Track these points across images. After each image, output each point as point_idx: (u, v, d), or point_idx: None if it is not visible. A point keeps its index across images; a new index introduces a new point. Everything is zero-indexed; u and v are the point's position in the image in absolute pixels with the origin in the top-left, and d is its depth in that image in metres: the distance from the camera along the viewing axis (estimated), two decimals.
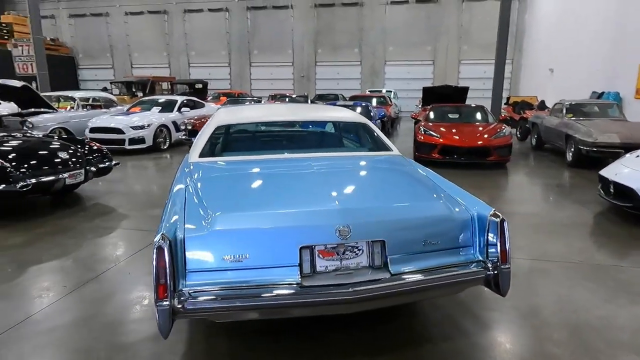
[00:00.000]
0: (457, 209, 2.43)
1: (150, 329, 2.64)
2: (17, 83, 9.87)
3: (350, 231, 2.18)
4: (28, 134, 6.00)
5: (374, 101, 14.99)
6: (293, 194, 2.48)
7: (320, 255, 2.20)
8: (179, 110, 10.98)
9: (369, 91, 19.54)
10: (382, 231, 2.24)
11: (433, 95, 12.25)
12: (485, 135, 7.99)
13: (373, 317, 2.79)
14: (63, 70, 25.67)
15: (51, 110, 10.65)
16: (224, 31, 24.47)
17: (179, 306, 1.94)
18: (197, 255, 2.08)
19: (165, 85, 22.41)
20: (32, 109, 10.49)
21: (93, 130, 9.77)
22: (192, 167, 2.99)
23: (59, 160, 5.20)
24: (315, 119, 3.73)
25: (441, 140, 7.99)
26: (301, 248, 2.14)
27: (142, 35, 25.60)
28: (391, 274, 2.21)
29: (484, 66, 21.51)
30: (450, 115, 9.38)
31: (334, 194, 2.43)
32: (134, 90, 18.56)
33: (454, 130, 8.27)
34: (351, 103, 10.43)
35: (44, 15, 26.57)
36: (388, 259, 2.24)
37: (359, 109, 9.78)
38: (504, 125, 8.58)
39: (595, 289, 3.22)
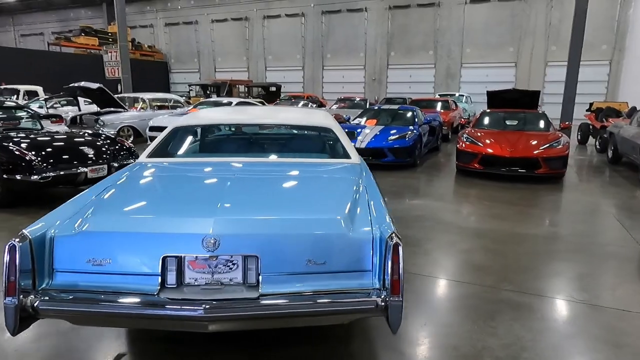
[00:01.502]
0: (355, 228, 2.12)
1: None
2: (94, 85, 11.04)
3: (219, 243, 2.02)
4: (58, 130, 6.64)
5: (439, 105, 14.21)
6: (188, 200, 2.37)
7: (191, 267, 2.07)
8: None
9: (439, 95, 18.59)
10: (256, 246, 2.05)
11: (499, 100, 11.19)
12: (535, 145, 7.10)
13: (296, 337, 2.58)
14: (157, 74, 28.31)
15: (122, 110, 11.78)
16: (299, 35, 25.04)
17: (31, 305, 1.95)
18: (64, 256, 2.07)
19: (242, 87, 23.61)
20: (110, 109, 11.71)
21: (152, 128, 10.54)
22: (131, 166, 3.03)
23: (84, 155, 5.67)
24: (278, 123, 3.59)
25: (483, 148, 7.28)
26: (166, 257, 2.03)
27: (225, 41, 27.23)
28: (260, 294, 2.00)
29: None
30: (503, 122, 8.52)
31: (228, 202, 2.28)
32: (208, 92, 19.80)
33: (499, 138, 7.48)
34: (396, 107, 9.96)
35: (144, 25, 29.59)
36: (260, 277, 2.04)
37: (409, 114, 9.30)
38: (562, 134, 7.55)
39: (573, 335, 2.64)
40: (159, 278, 2.02)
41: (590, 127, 11.95)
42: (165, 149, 3.28)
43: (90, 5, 31.33)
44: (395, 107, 10.04)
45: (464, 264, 3.78)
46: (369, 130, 8.47)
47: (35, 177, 5.01)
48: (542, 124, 8.21)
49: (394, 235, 2.05)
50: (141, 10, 29.44)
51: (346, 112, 12.99)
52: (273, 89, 22.49)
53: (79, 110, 12.97)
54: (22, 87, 16.16)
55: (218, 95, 19.56)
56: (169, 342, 2.54)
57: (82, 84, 11.26)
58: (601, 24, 19.21)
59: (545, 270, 3.65)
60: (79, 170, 5.42)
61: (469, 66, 21.65)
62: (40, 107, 14.33)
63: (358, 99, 17.90)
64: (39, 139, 5.80)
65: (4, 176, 5.09)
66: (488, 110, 9.07)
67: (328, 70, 24.91)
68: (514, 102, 10.64)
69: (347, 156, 3.26)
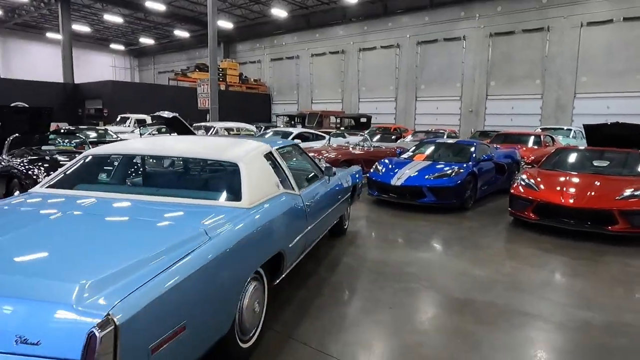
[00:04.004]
0: (91, 302, 1.56)
1: None
2: (169, 114, 11.94)
3: None
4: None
5: (531, 140, 12.32)
6: None
7: None
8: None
9: (540, 129, 16.29)
10: None
11: (600, 137, 9.21)
12: (612, 193, 5.48)
13: None
14: (261, 105, 30.26)
15: None
16: (393, 67, 24.57)
17: None
18: None
19: (333, 118, 23.81)
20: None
21: None
22: (16, 196, 2.88)
23: None
24: (186, 155, 3.15)
25: (538, 194, 5.87)
26: None
27: (322, 74, 28.01)
28: None
29: None
30: (581, 162, 6.86)
31: None
32: (293, 122, 20.32)
33: (564, 183, 5.98)
34: (452, 141, 8.75)
35: (253, 61, 32.09)
36: None
37: (466, 149, 8.11)
38: None
39: None
40: None
41: None
42: (67, 178, 3.07)
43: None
44: (452, 141, 8.88)
45: (408, 353, 2.83)
46: (413, 166, 7.54)
47: None
48: (636, 166, 6.40)
49: (109, 319, 1.45)
50: (252, 47, 32.03)
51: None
52: (363, 120, 22.22)
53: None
54: (133, 116, 18.46)
55: (303, 126, 19.93)
56: None
57: (165, 114, 12.27)
58: None
59: None
60: None
61: (585, 97, 18.73)
62: (141, 133, 16.27)
63: (444, 131, 16.62)
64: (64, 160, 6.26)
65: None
66: (564, 148, 7.45)
67: (421, 102, 23.84)
68: (622, 140, 8.59)
69: (237, 198, 2.69)
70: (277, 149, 3.52)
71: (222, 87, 27.89)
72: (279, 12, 25.28)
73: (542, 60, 19.57)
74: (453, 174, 7.09)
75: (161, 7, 24.96)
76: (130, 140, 3.53)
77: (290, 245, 3.03)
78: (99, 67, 36.80)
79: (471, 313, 3.40)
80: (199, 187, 2.95)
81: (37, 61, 32.77)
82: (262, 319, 2.80)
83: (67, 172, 3.08)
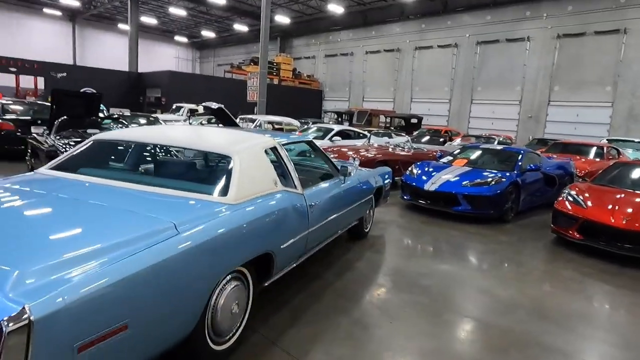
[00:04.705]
0: (26, 290, 1.49)
1: None
2: (214, 105, 12.18)
3: None
4: None
5: (592, 152, 11.29)
6: None
7: None
8: (330, 138, 11.18)
9: (607, 140, 14.93)
10: None
11: None
12: None
13: None
14: (312, 100, 30.32)
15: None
16: (449, 67, 23.61)
17: None
18: None
19: (382, 117, 23.35)
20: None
21: None
22: (19, 175, 2.94)
23: None
24: (183, 146, 3.07)
25: (584, 211, 5.28)
26: None
27: (375, 72, 27.52)
28: None
29: None
30: None
31: None
32: (339, 119, 20.10)
33: (617, 201, 5.32)
34: (498, 147, 8.12)
35: (307, 56, 32.20)
36: None
37: (511, 156, 7.49)
38: None
39: None
40: None
41: None
42: (70, 161, 3.09)
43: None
44: (498, 147, 8.27)
45: None
46: (450, 171, 7.11)
47: None
48: None
49: (23, 312, 1.36)
50: (307, 43, 32.14)
51: None
52: (414, 120, 21.60)
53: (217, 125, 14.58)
54: (186, 105, 19.14)
55: (350, 124, 19.69)
56: None
57: (213, 105, 12.56)
58: None
59: None
60: None
61: None
62: (190, 122, 16.89)
63: (496, 137, 15.69)
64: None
65: None
66: (624, 162, 6.69)
67: (477, 105, 22.73)
68: None
69: (224, 193, 2.56)
70: (283, 145, 3.37)
71: (275, 82, 28.24)
72: (336, 8, 25.09)
73: (616, 65, 17.90)
74: (493, 182, 6.59)
75: (222, 1, 25.62)
76: (137, 128, 3.53)
77: (282, 247, 2.87)
78: (164, 57, 38.61)
79: (481, 337, 3.07)
80: (190, 179, 2.87)
81: (108, 50, 34.95)
82: (244, 321, 2.66)
83: (72, 155, 3.12)
